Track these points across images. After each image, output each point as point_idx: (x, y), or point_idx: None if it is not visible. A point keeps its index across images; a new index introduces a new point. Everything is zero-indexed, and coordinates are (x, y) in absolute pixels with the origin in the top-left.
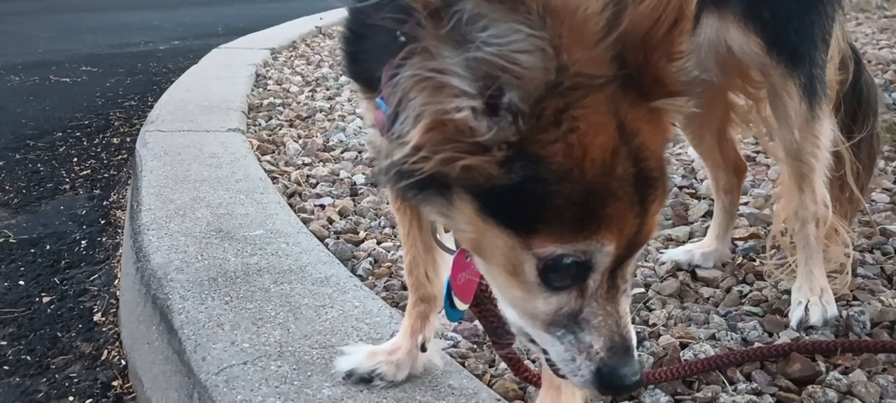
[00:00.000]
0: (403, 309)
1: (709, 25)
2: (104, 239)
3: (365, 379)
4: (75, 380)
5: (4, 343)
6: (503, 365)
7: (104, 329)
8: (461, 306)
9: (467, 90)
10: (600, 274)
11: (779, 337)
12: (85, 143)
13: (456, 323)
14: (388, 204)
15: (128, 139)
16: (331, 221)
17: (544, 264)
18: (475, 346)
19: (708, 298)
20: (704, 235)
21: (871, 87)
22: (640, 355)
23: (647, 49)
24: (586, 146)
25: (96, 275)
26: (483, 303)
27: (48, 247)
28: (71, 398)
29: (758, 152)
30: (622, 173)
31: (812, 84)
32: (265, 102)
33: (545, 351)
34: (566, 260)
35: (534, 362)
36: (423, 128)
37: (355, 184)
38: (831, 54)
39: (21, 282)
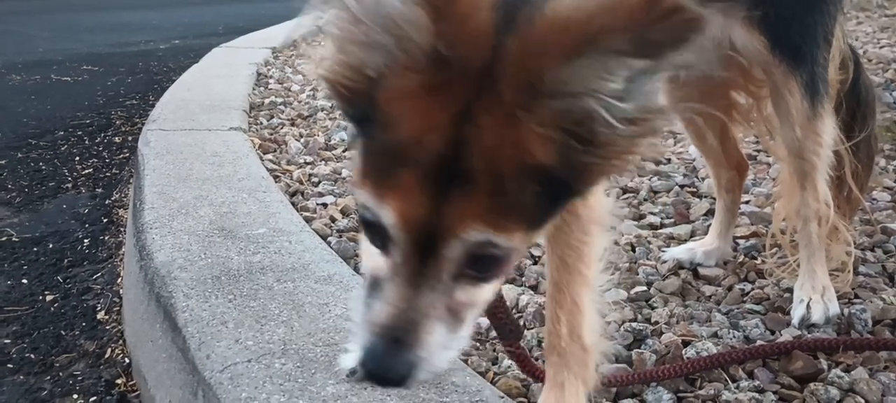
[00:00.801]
0: None
1: (715, 23)
2: (107, 238)
3: None
4: (79, 378)
5: (8, 341)
6: (506, 363)
7: (107, 327)
8: None
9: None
10: (401, 249)
11: (781, 335)
12: (86, 142)
13: None
14: None
15: (129, 138)
16: (333, 220)
17: (360, 213)
18: (478, 344)
19: (710, 296)
20: (706, 233)
21: (870, 89)
22: (642, 353)
23: (528, 64)
24: (414, 109)
25: (99, 274)
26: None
27: (51, 246)
28: (75, 396)
29: (758, 151)
30: (430, 149)
31: (814, 82)
32: (267, 101)
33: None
34: (366, 214)
35: (537, 359)
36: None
37: None
38: (832, 54)
39: (24, 281)
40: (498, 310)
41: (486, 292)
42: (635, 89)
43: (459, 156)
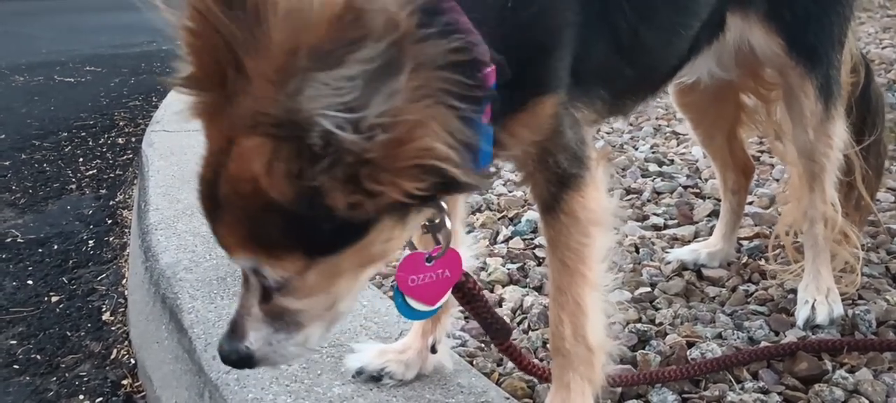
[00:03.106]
0: None
1: (734, 25)
2: (111, 239)
3: (374, 378)
4: (85, 379)
5: (14, 342)
6: (511, 364)
7: (113, 328)
8: (418, 306)
9: None
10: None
11: (785, 336)
12: (90, 143)
13: (464, 322)
14: None
15: (133, 139)
16: None
17: None
18: (483, 345)
19: (714, 297)
20: (709, 234)
21: (881, 96)
22: (646, 354)
23: (256, 99)
24: (206, 134)
25: (104, 275)
26: (474, 301)
27: (56, 247)
28: (81, 396)
29: (762, 152)
30: (202, 176)
31: (828, 84)
32: None
33: None
34: None
35: (542, 359)
36: None
37: None
38: (844, 57)
39: (29, 282)
40: (482, 310)
41: (308, 301)
42: (373, 93)
43: (214, 183)
